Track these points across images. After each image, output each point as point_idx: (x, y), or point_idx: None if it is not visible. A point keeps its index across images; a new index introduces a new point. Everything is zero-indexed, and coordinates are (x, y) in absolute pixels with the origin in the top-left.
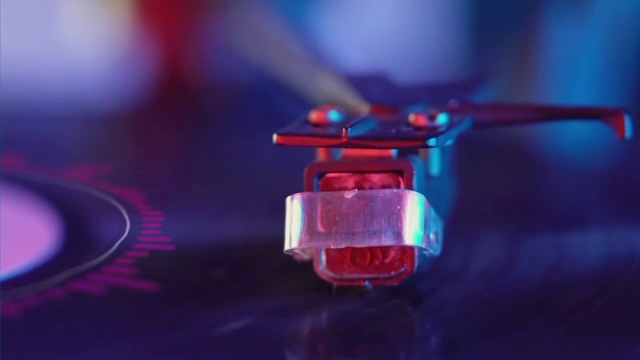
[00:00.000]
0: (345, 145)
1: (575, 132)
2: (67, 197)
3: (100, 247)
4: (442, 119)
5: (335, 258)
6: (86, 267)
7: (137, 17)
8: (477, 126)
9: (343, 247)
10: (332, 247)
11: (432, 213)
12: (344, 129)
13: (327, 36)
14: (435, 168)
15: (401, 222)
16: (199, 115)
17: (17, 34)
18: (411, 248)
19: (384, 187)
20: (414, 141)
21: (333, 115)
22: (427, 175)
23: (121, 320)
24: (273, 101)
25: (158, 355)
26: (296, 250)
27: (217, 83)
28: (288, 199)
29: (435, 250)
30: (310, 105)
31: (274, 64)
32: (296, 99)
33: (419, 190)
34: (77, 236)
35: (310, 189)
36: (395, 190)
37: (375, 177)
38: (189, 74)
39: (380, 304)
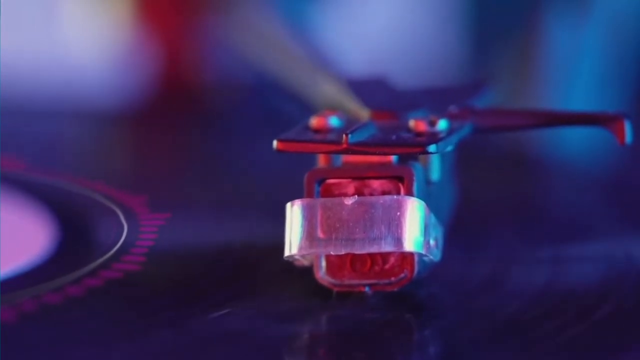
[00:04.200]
0: (346, 151)
1: (575, 138)
2: (64, 199)
3: (97, 251)
4: (442, 124)
5: (335, 264)
6: (83, 272)
7: (138, 17)
8: (477, 132)
9: (343, 253)
10: (332, 253)
11: (432, 219)
12: (344, 135)
13: (328, 39)
14: (435, 174)
15: (401, 229)
16: (199, 116)
17: (18, 33)
18: (411, 254)
19: (384, 193)
20: (414, 147)
21: (333, 121)
22: (427, 181)
23: (118, 324)
24: (274, 104)
25: (156, 358)
26: (296, 257)
27: (217, 84)
28: (288, 205)
29: (435, 256)
30: (311, 109)
31: (275, 66)
32: (297, 102)
33: (418, 197)
34: (74, 240)
35: (310, 195)
36: (395, 197)
37: (376, 183)
38: (189, 74)
39: (379, 310)
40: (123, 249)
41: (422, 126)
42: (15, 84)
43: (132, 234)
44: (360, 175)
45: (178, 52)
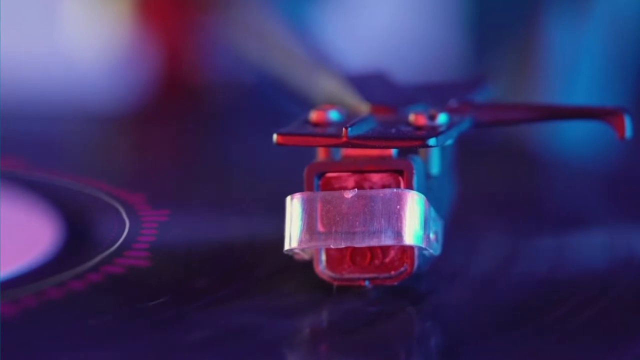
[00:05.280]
0: (345, 144)
1: (575, 132)
2: (66, 198)
3: (98, 248)
4: (442, 118)
5: (335, 258)
6: (85, 268)
7: (138, 17)
8: (477, 126)
9: (343, 246)
10: (332, 246)
11: (432, 213)
12: (344, 129)
13: (328, 36)
14: (435, 168)
15: (401, 222)
16: (199, 115)
17: (18, 34)
18: (411, 248)
19: (384, 186)
20: (414, 141)
21: (333, 115)
22: (427, 175)
23: (120, 321)
24: (273, 101)
25: (157, 356)
26: (296, 250)
27: (217, 83)
28: (288, 198)
29: (435, 250)
30: (311, 105)
31: (275, 64)
32: (297, 99)
33: (419, 190)
34: (76, 237)
35: (310, 189)
36: (395, 190)
37: (375, 177)
38: (189, 74)
39: (380, 304)
40: (125, 245)
41: (422, 120)
42: (16, 84)
43: (134, 230)
44: (360, 168)
45: (178, 52)
